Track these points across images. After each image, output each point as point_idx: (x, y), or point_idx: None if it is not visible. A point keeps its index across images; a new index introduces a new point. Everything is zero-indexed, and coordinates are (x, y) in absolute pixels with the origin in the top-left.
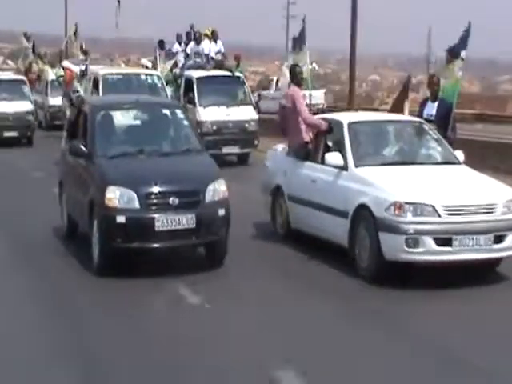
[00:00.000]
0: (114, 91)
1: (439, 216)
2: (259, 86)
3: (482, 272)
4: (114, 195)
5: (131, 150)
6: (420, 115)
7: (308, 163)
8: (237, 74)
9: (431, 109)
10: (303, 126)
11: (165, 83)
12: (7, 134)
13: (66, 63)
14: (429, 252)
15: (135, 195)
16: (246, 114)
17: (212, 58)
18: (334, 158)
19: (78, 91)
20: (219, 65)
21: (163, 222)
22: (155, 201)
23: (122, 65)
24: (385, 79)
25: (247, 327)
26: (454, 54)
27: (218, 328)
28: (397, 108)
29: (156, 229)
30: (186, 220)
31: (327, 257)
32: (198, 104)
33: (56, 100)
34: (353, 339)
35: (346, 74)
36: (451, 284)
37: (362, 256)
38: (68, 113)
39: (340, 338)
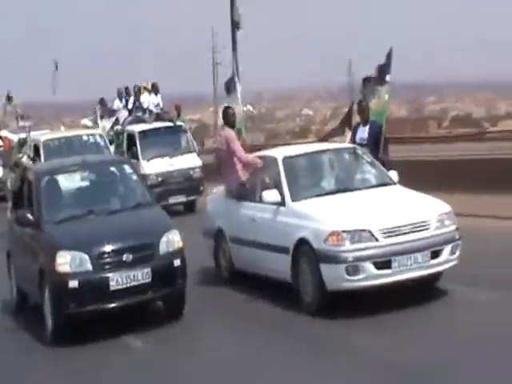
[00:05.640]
0: (57, 156)
1: (377, 240)
2: (195, 132)
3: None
4: (65, 260)
5: (79, 211)
6: (353, 141)
7: (246, 203)
8: (178, 123)
9: (363, 133)
10: (239, 166)
11: (107, 141)
12: None
13: (3, 132)
14: (369, 277)
15: (87, 257)
16: (189, 161)
17: (151, 112)
18: (271, 195)
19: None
20: (160, 117)
21: (118, 280)
22: (109, 260)
23: (62, 128)
24: (318, 112)
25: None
26: (380, 79)
27: None
28: (336, 131)
29: (111, 288)
30: (142, 275)
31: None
32: (141, 158)
33: None
34: None
35: (281, 112)
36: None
37: (306, 290)
38: (9, 183)
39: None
